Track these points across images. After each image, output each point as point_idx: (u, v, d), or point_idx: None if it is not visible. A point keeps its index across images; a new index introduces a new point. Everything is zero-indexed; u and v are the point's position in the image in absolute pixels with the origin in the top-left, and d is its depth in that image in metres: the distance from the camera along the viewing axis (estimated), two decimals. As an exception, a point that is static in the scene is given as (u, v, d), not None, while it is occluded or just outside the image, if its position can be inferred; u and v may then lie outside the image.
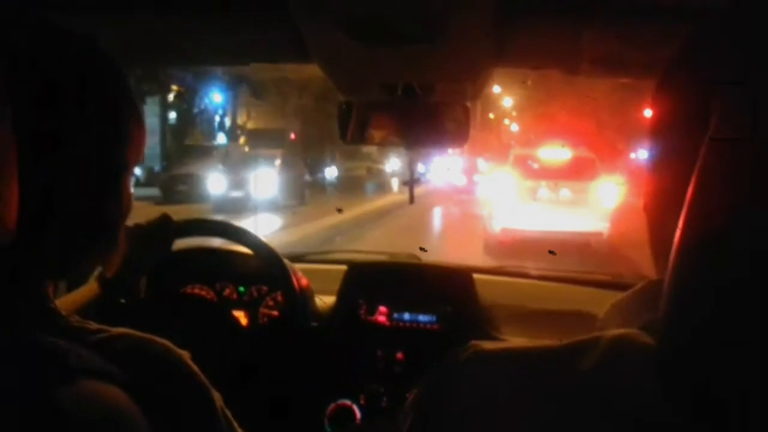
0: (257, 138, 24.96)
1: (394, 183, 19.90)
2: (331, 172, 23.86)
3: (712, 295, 0.35)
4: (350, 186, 20.73)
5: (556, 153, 9.34)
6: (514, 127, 34.40)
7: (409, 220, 11.24)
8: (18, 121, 0.45)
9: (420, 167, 26.21)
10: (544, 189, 8.73)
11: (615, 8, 0.79)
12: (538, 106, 24.12)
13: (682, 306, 0.37)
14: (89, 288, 1.11)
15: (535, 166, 9.17)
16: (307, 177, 17.30)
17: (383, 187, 20.24)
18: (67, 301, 1.04)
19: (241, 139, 24.66)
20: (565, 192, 8.69)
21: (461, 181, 16.38)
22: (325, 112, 26.92)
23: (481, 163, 17.33)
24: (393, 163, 22.22)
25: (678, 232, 0.38)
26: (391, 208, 13.49)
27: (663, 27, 0.77)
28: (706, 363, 0.36)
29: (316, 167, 22.60)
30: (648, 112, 0.49)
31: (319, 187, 20.61)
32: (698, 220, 0.37)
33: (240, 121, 25.27)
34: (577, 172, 8.82)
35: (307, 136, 26.80)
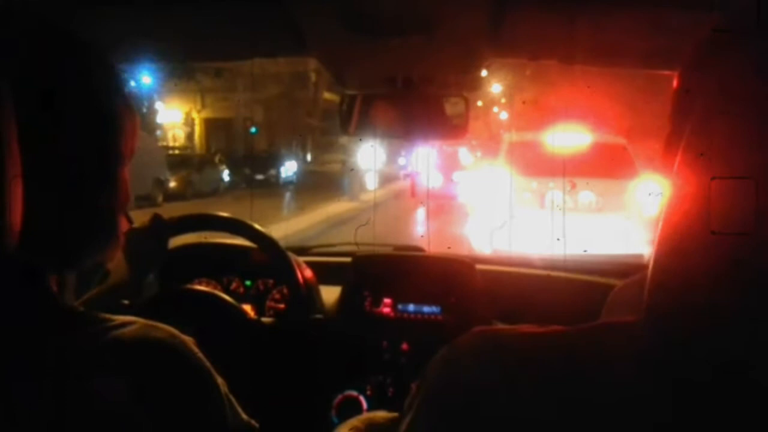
0: (211, 129, 22.57)
1: (368, 180, 15.86)
2: (289, 168, 20.49)
3: (690, 284, 0.36)
4: (309, 186, 17.45)
5: (570, 138, 6.39)
6: (503, 116, 31.90)
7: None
8: (19, 120, 0.47)
9: (401, 160, 23.30)
10: (555, 191, 6.04)
11: None
12: (533, 91, 21.32)
13: (661, 294, 0.39)
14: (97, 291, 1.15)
15: (541, 157, 6.23)
16: (166, 175, 14.01)
17: (345, 187, 15.91)
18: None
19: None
20: (587, 195, 6.02)
21: (435, 180, 12.34)
22: (291, 98, 24.19)
23: (464, 154, 13.74)
24: (368, 156, 18.22)
25: (660, 222, 0.39)
26: (320, 229, 9.62)
27: (656, 16, 0.82)
28: (687, 352, 0.37)
29: (268, 163, 19.56)
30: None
31: (266, 187, 17.49)
32: (678, 206, 0.38)
33: (187, 109, 22.36)
34: (603, 166, 6.14)
35: (271, 126, 23.94)
